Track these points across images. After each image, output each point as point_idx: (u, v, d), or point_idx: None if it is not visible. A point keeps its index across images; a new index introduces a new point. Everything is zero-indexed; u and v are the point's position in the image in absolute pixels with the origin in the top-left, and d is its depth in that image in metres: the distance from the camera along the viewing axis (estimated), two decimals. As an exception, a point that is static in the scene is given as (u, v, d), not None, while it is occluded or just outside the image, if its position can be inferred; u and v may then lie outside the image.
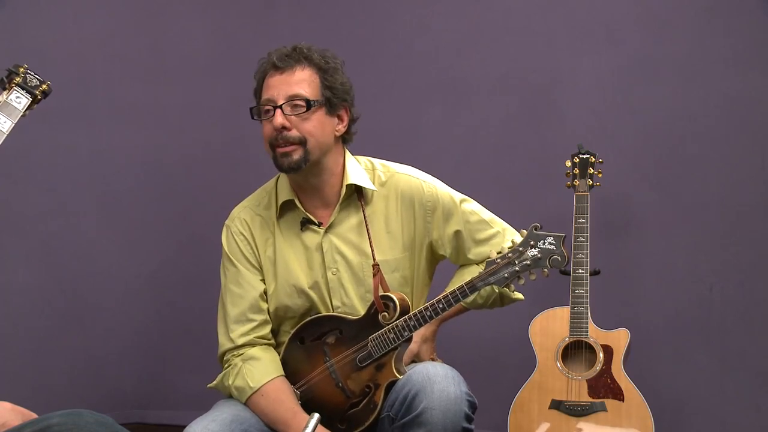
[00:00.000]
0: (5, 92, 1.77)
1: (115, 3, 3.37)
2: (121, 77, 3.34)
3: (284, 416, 1.89)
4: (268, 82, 1.95)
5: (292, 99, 1.91)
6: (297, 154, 1.92)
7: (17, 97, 1.78)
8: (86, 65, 3.25)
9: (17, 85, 1.79)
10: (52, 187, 3.19)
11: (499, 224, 2.06)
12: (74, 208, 3.25)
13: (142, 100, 3.36)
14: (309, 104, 1.92)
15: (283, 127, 1.90)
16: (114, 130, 3.31)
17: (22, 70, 1.80)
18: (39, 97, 1.82)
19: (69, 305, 3.23)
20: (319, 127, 1.94)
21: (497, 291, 2.00)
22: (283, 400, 1.91)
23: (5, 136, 1.72)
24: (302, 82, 1.93)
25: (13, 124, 1.74)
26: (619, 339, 2.57)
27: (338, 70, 1.98)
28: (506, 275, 1.77)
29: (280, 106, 1.91)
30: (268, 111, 1.94)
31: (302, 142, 1.92)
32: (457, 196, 2.06)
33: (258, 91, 1.99)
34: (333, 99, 1.96)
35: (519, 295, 2.04)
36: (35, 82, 1.81)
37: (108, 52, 3.31)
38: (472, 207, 2.06)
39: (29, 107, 1.80)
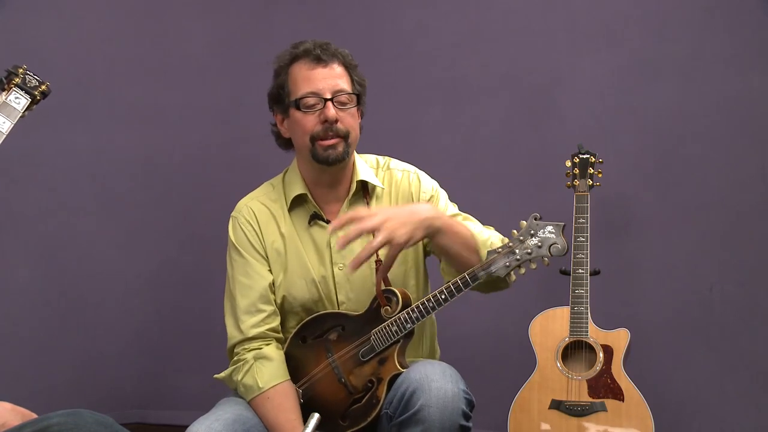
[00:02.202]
0: (4, 93, 1.77)
1: (115, 3, 3.37)
2: (121, 77, 3.34)
3: (283, 426, 1.89)
4: (308, 74, 1.95)
5: (339, 93, 1.95)
6: (341, 147, 1.95)
7: (16, 98, 1.78)
8: (86, 65, 3.25)
9: (16, 85, 1.79)
10: (52, 187, 3.19)
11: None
12: (74, 208, 3.25)
13: (142, 100, 3.36)
14: (358, 99, 1.98)
15: (335, 120, 1.93)
16: (114, 130, 3.32)
17: (21, 70, 1.80)
18: (38, 97, 1.82)
19: (69, 305, 3.23)
20: (356, 121, 2.00)
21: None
22: (287, 408, 1.91)
23: (4, 136, 1.72)
24: (343, 77, 1.97)
25: (12, 125, 1.74)
26: (619, 339, 2.57)
27: (358, 67, 2.03)
28: (507, 264, 1.78)
29: (331, 99, 1.93)
30: (313, 105, 1.94)
31: (346, 136, 1.95)
32: (442, 193, 2.10)
33: (287, 86, 1.98)
34: (362, 95, 2.02)
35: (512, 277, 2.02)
36: (34, 82, 1.81)
37: (108, 52, 3.31)
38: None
39: (28, 108, 1.80)
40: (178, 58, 3.45)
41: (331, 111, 1.93)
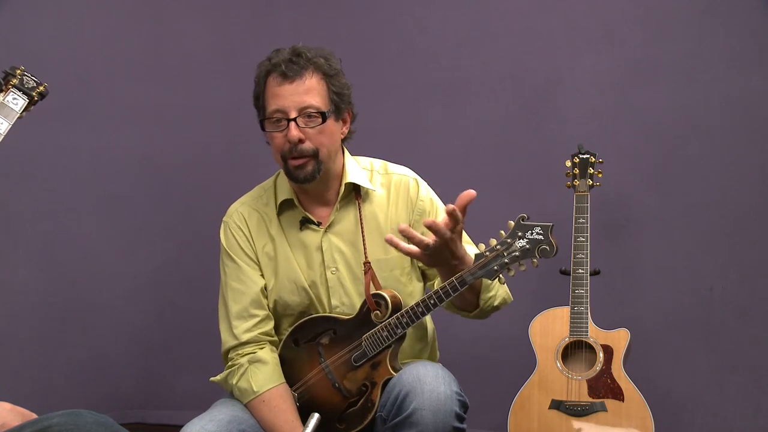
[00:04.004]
0: (2, 94, 1.78)
1: (115, 3, 3.37)
2: (121, 77, 3.34)
3: (282, 428, 1.90)
4: (276, 91, 1.90)
5: (305, 110, 1.89)
6: (311, 166, 1.91)
7: (14, 99, 1.78)
8: (86, 65, 3.25)
9: (14, 86, 1.79)
10: (52, 187, 3.19)
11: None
12: (74, 208, 3.25)
13: (142, 100, 3.36)
14: (324, 116, 1.91)
15: (299, 140, 1.89)
16: (114, 130, 3.32)
17: (18, 71, 1.81)
18: (36, 98, 1.83)
19: (69, 305, 3.23)
20: (330, 136, 1.94)
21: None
22: (284, 410, 1.92)
23: (2, 137, 1.73)
24: (312, 91, 1.90)
25: (10, 126, 1.75)
26: (619, 339, 2.57)
27: (340, 72, 1.97)
28: (495, 268, 1.73)
29: (294, 119, 1.89)
30: (279, 122, 1.91)
31: (315, 154, 1.91)
32: (440, 202, 2.07)
33: (261, 99, 1.95)
34: (340, 104, 1.95)
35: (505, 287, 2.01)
36: (32, 83, 1.82)
37: (108, 52, 3.31)
38: None
39: (26, 109, 1.81)
40: (178, 58, 3.45)
41: (293, 132, 1.88)
